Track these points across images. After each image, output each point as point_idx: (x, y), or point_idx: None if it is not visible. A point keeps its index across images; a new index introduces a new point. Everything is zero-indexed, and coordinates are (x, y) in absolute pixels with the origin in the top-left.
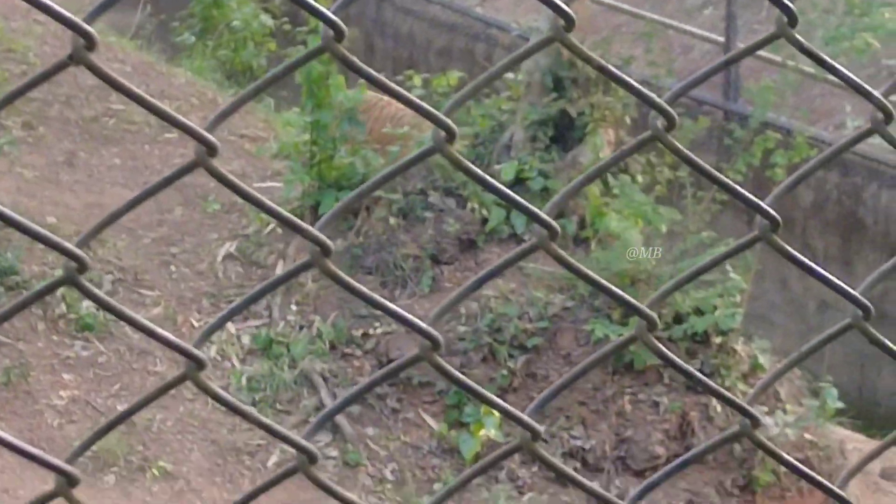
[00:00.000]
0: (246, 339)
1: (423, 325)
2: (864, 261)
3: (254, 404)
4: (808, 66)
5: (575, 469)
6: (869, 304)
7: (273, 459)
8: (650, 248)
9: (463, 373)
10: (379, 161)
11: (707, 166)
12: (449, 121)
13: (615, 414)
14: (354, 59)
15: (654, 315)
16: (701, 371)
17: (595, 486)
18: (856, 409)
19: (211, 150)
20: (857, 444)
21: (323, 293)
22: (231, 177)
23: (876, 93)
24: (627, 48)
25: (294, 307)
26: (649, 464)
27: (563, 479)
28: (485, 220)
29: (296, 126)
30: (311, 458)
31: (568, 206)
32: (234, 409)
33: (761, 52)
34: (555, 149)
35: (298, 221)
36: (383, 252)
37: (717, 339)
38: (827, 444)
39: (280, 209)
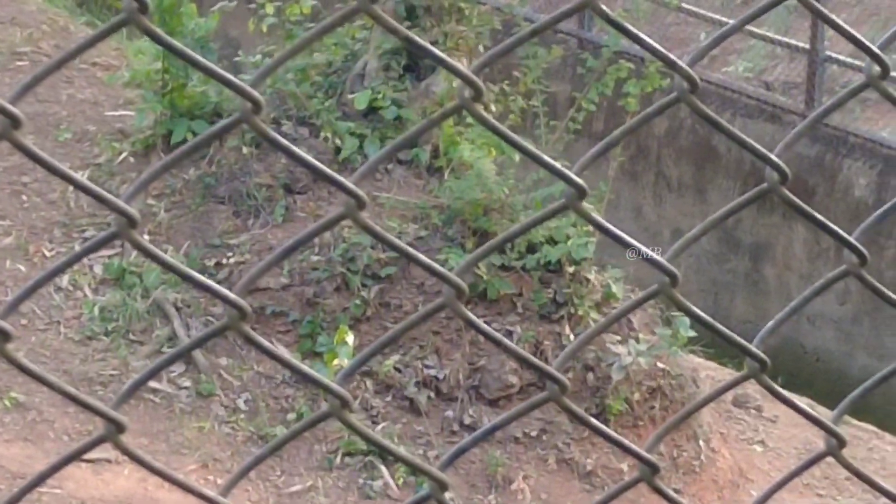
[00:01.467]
0: (98, 269)
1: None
2: (718, 189)
3: (106, 334)
4: None
5: (428, 398)
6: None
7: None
8: (504, 177)
9: (316, 302)
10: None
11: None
12: (255, 93)
13: (468, 343)
14: None
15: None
16: (554, 300)
17: (450, 414)
18: (708, 337)
19: (15, 122)
20: (710, 371)
21: (175, 222)
22: (38, 152)
23: (680, 62)
24: None
25: (147, 237)
26: (502, 392)
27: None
28: (338, 150)
29: (147, 54)
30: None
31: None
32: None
33: None
34: (408, 78)
35: (102, 193)
36: (236, 181)
37: (571, 269)
38: (679, 372)
39: (89, 184)
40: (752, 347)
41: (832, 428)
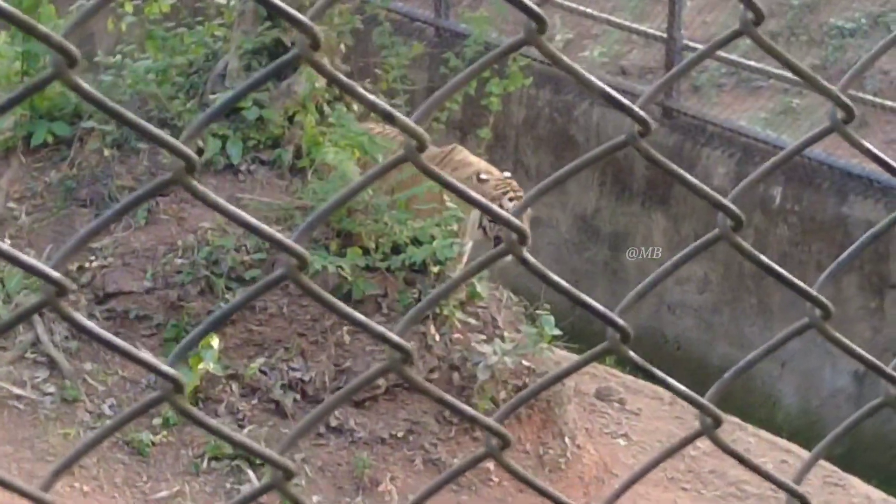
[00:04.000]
0: None
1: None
2: (576, 179)
3: None
4: None
5: (294, 400)
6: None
7: None
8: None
9: (181, 306)
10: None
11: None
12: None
13: (334, 345)
14: None
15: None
16: (419, 300)
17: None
18: (571, 330)
19: None
20: None
21: (37, 226)
22: None
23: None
24: None
25: (7, 240)
26: (369, 394)
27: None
28: (201, 151)
29: (6, 56)
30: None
31: (284, 135)
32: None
33: None
34: (270, 78)
35: None
36: (98, 184)
37: (435, 269)
38: (545, 370)
39: None
40: (614, 316)
41: (708, 406)
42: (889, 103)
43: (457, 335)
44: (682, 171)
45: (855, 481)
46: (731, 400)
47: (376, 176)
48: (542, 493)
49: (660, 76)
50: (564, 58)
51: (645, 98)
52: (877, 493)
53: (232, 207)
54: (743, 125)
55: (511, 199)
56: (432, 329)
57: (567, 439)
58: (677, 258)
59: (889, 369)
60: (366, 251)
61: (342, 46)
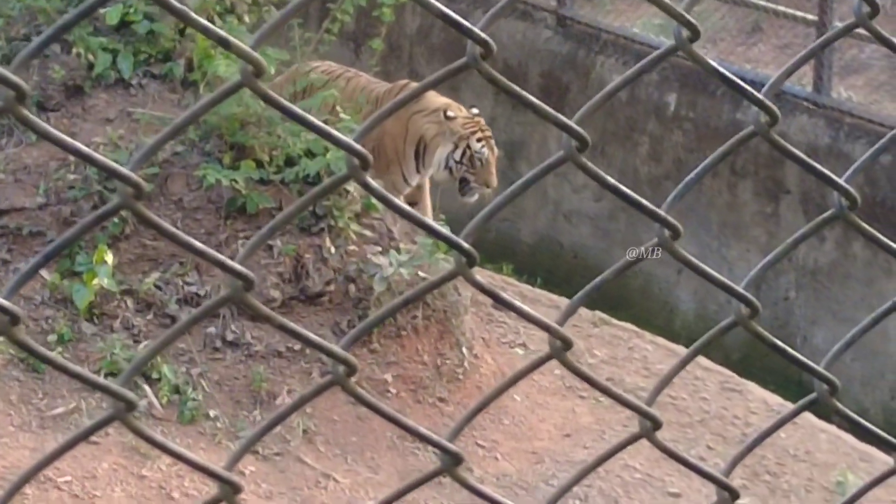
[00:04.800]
0: None
1: None
2: (471, 87)
3: None
4: None
5: (190, 315)
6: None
7: None
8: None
9: (74, 222)
10: None
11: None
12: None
13: (229, 258)
14: None
15: None
16: (314, 213)
17: (212, 331)
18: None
19: None
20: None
21: None
22: None
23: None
24: None
25: None
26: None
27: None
28: (91, 65)
29: None
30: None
31: (175, 48)
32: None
33: None
34: None
35: None
36: None
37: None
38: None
39: None
40: (459, 241)
41: (556, 329)
42: (782, 9)
43: (352, 247)
44: (520, 91)
45: (752, 386)
46: (628, 306)
47: (205, 109)
48: (390, 419)
49: None
50: None
51: (770, 85)
52: (774, 398)
53: (67, 139)
54: (637, 32)
55: (479, 140)
56: (328, 241)
57: (464, 349)
58: (521, 182)
59: (740, 289)
60: (259, 164)
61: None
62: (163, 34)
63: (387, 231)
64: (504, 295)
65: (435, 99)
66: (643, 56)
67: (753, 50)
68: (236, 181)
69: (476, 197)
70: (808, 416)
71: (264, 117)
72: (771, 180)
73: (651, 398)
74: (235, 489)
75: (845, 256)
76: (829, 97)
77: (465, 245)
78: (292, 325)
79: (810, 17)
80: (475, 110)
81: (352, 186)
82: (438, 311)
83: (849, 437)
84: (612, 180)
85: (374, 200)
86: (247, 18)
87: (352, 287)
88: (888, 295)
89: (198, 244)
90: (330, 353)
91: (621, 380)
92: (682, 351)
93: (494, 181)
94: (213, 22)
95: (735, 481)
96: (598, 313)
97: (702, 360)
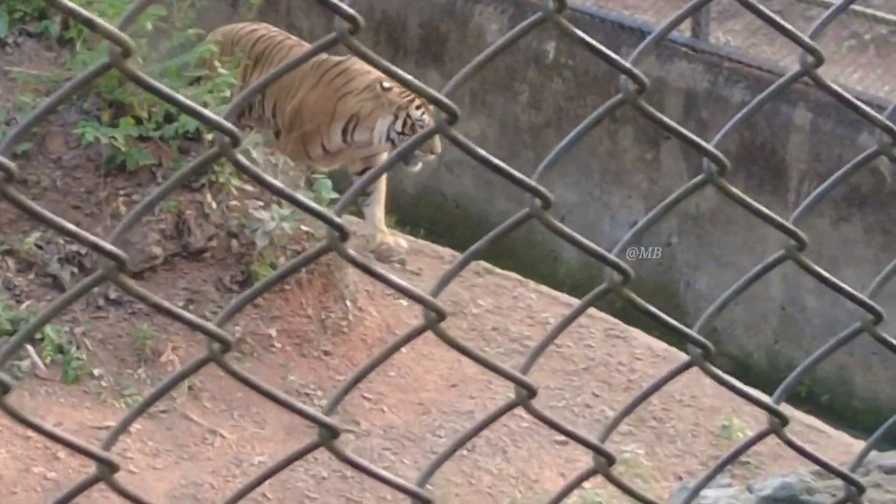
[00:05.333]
0: None
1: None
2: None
3: None
4: None
5: (72, 274)
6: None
7: None
8: (137, 46)
9: None
10: None
11: None
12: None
13: (110, 216)
14: None
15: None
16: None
17: (95, 289)
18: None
19: None
20: (353, 227)
21: None
22: None
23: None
24: None
25: None
26: (147, 264)
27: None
28: None
29: None
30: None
31: (50, 7)
32: None
33: None
34: None
35: None
36: None
37: (210, 136)
38: (324, 234)
39: None
40: (331, 214)
41: (431, 301)
42: None
43: (234, 202)
44: (390, 66)
45: (636, 333)
46: (512, 255)
47: (73, 90)
48: (266, 394)
49: None
50: None
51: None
52: (658, 344)
53: None
54: None
55: (418, 108)
56: (209, 197)
57: (348, 302)
58: (393, 155)
59: (613, 256)
60: (138, 121)
61: None
62: None
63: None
64: (377, 269)
65: (364, 76)
66: (521, 5)
67: None
68: (115, 138)
69: (420, 165)
70: None
71: (144, 70)
72: (651, 126)
73: (526, 366)
74: (113, 468)
75: (726, 202)
76: (707, 42)
77: (336, 219)
78: (166, 304)
79: None
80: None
81: None
82: (322, 265)
83: (734, 381)
84: (482, 152)
85: (254, 155)
86: None
87: (234, 242)
88: (770, 238)
89: (69, 226)
90: (205, 331)
91: (506, 329)
92: (565, 299)
93: (438, 146)
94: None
95: (620, 428)
96: (483, 263)
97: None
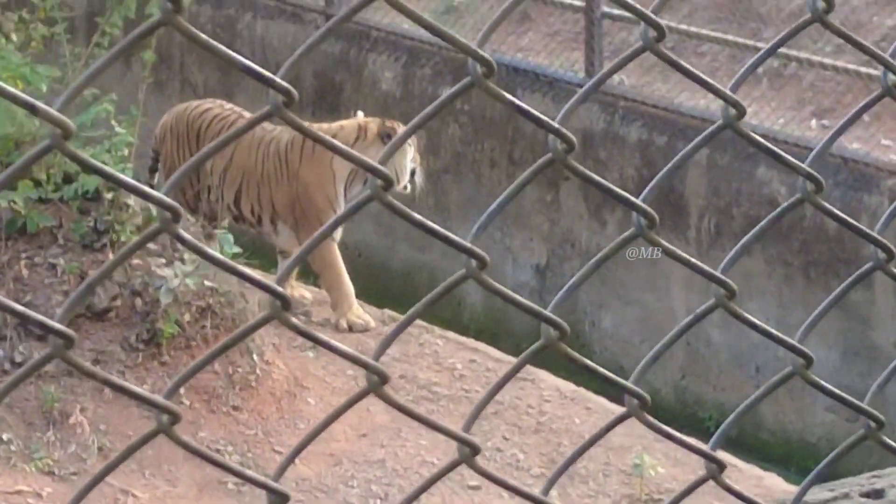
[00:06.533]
0: None
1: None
2: (244, 91)
3: None
4: None
5: None
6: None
7: None
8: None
9: None
10: None
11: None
12: None
13: (13, 280)
14: None
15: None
16: (95, 228)
17: (0, 353)
18: (252, 246)
19: None
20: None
21: None
22: None
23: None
24: None
25: None
26: None
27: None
28: None
29: None
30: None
31: None
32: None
33: None
34: None
35: None
36: None
37: (109, 196)
38: (228, 289)
39: None
40: (273, 284)
41: (374, 366)
42: None
43: (136, 260)
44: (317, 134)
45: (544, 374)
46: (416, 302)
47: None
48: (216, 463)
49: None
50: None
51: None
52: (566, 385)
53: None
54: (407, 28)
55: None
56: (111, 256)
57: (255, 356)
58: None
59: (548, 312)
60: (37, 183)
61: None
62: None
63: (170, 242)
64: (321, 336)
65: (343, 130)
66: (414, 52)
67: (524, 38)
68: (15, 202)
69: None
70: (601, 401)
71: (39, 136)
72: (550, 168)
73: (468, 423)
74: None
75: None
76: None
77: (279, 289)
78: (117, 380)
79: (577, 2)
80: (360, 113)
81: (132, 199)
82: (227, 320)
83: (671, 431)
84: (418, 217)
85: (154, 212)
86: (14, 37)
87: (138, 301)
88: (672, 275)
89: (17, 307)
90: (153, 404)
91: (414, 376)
92: (472, 344)
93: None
94: None
95: (532, 470)
96: (388, 311)
97: (492, 351)
